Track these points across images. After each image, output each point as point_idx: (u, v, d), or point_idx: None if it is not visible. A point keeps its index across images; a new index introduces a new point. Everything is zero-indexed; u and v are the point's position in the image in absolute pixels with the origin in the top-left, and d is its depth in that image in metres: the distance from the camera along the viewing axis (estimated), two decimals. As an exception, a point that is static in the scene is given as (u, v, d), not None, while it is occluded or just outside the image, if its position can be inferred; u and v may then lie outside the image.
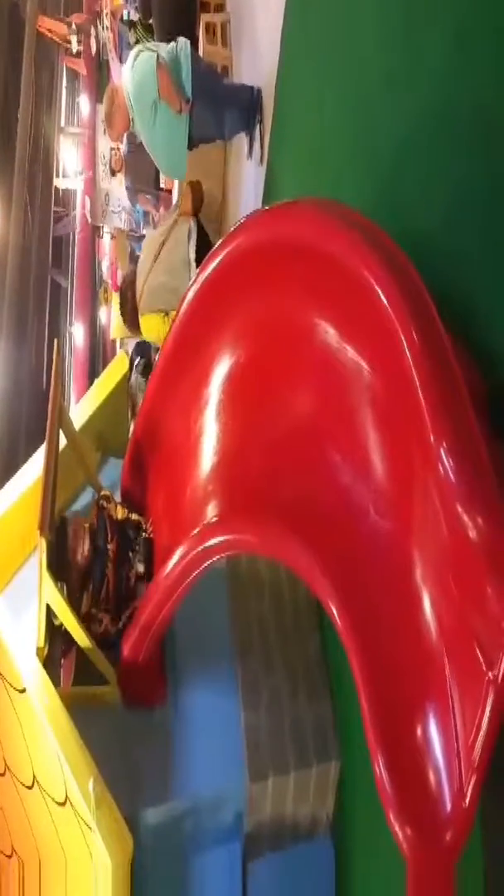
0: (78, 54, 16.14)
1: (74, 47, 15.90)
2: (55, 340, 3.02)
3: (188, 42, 4.79)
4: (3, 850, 2.79)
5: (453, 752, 1.51)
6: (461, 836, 1.48)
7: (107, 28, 11.62)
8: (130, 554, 2.62)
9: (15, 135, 14.97)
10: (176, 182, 6.73)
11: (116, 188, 11.06)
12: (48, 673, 2.29)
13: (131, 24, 9.04)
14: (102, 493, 2.79)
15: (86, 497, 3.03)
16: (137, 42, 7.95)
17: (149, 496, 2.81)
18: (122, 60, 9.24)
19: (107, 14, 11.40)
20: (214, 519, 2.20)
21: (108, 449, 3.26)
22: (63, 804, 2.20)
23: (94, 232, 16.53)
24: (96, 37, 14.35)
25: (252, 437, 2.30)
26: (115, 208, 11.46)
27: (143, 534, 2.66)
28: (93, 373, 16.44)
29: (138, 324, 4.48)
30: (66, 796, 2.16)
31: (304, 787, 2.70)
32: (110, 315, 13.89)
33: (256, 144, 5.24)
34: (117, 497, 2.83)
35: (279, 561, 2.20)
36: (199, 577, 2.21)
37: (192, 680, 2.66)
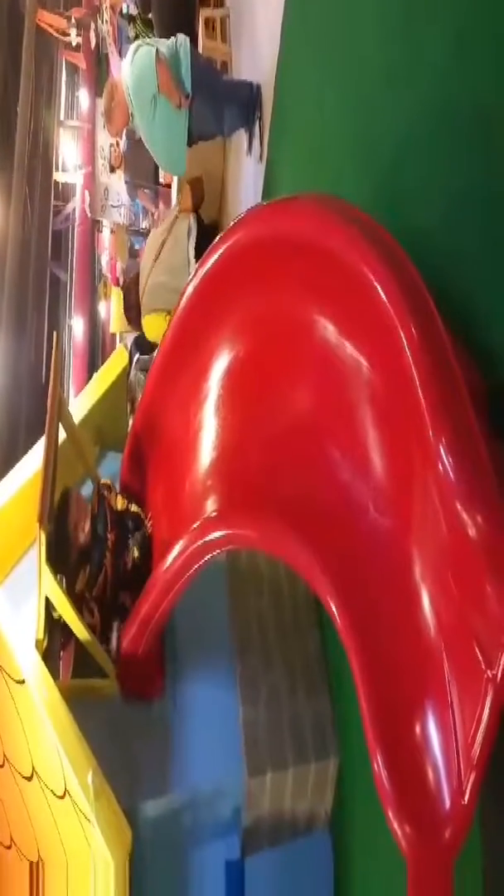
0: (77, 48, 16.10)
1: (74, 41, 15.86)
2: (54, 334, 3.02)
3: (187, 38, 4.78)
4: (2, 841, 2.80)
5: (452, 750, 1.51)
6: (460, 833, 1.48)
7: (106, 22, 11.58)
8: (129, 541, 2.63)
9: (14, 128, 14.97)
10: (175, 178, 6.72)
11: (116, 183, 11.05)
12: (47, 665, 2.29)
13: (131, 19, 9.04)
14: (103, 481, 2.79)
15: (85, 491, 3.02)
16: (137, 37, 7.95)
17: (148, 490, 2.81)
18: (121, 55, 9.22)
19: (106, 8, 11.36)
20: (214, 513, 2.20)
21: (106, 443, 3.25)
22: (62, 797, 2.21)
23: (94, 226, 16.51)
24: (96, 31, 14.31)
25: (251, 433, 2.29)
26: (115, 203, 11.44)
27: (143, 529, 2.67)
28: (92, 366, 16.45)
29: (140, 321, 4.49)
30: (66, 789, 2.17)
31: (303, 784, 2.71)
32: (110, 309, 13.90)
33: (256, 141, 5.23)
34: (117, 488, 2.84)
35: (278, 557, 2.20)
36: (198, 572, 2.21)
37: (191, 674, 2.67)
